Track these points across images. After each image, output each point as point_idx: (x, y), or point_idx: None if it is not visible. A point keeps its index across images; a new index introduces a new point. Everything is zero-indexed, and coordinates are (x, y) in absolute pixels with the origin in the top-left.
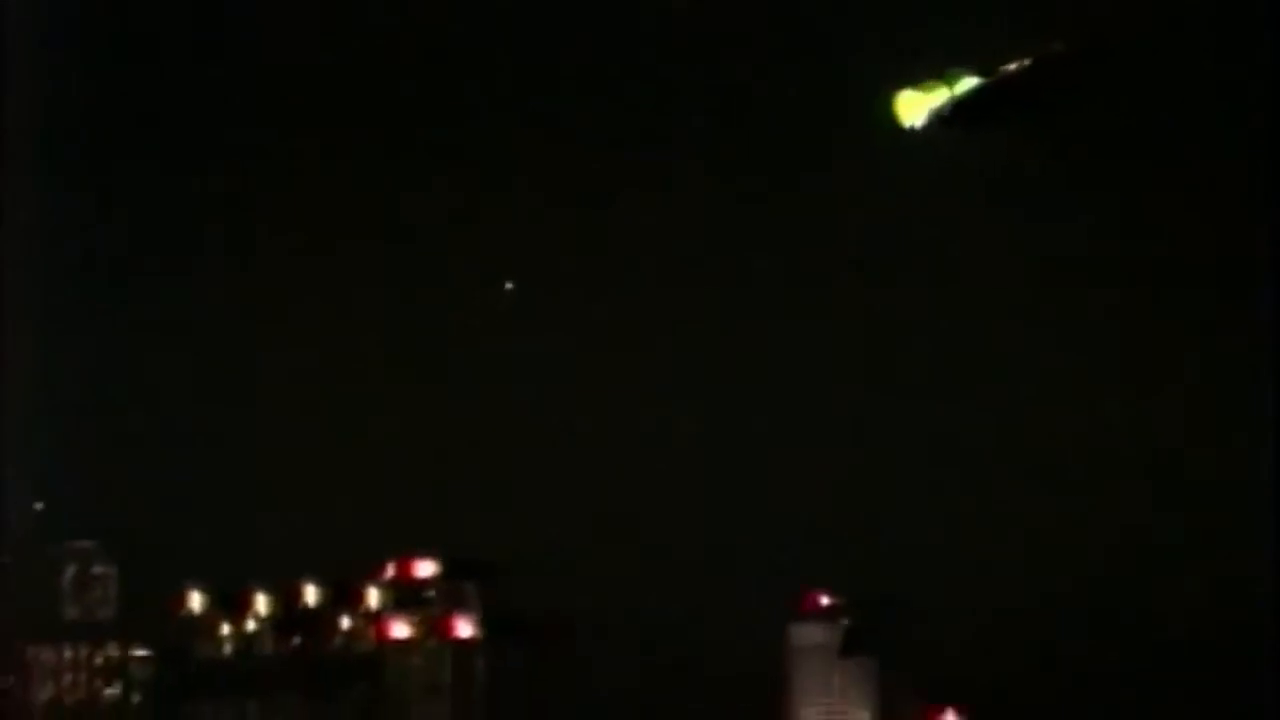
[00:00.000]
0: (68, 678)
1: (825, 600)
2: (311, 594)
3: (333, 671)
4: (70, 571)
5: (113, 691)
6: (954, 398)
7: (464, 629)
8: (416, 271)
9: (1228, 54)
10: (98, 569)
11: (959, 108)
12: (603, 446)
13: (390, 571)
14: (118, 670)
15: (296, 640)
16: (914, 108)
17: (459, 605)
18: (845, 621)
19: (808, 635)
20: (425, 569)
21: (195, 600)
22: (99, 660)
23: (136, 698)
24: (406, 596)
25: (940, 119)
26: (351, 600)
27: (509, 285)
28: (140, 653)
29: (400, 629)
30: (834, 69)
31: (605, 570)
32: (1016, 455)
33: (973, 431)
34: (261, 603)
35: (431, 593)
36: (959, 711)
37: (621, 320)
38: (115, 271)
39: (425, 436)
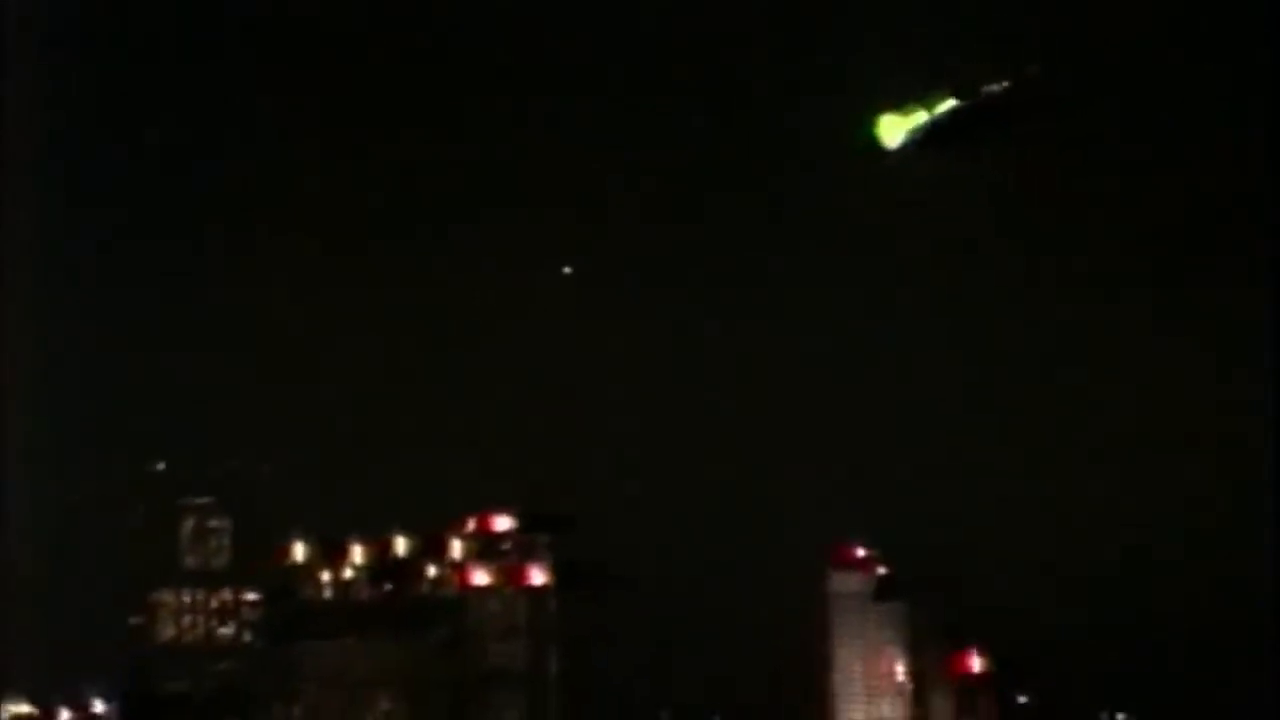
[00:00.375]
0: (187, 619)
1: (860, 552)
2: (402, 545)
3: (420, 614)
4: (189, 525)
5: (226, 631)
6: (971, 375)
7: (537, 577)
8: (492, 256)
9: (1203, 72)
10: (213, 522)
11: (936, 129)
12: (660, 417)
13: (471, 525)
14: (231, 612)
15: (388, 586)
16: (893, 130)
17: (532, 555)
18: (880, 570)
19: (844, 583)
20: (502, 523)
21: (299, 550)
22: (214, 603)
23: (247, 636)
24: (486, 548)
25: (917, 140)
26: (437, 551)
27: (566, 269)
28: (251, 596)
29: (480, 576)
30: (822, 96)
31: (662, 523)
32: (1034, 426)
33: (994, 404)
34: (358, 553)
35: (508, 544)
36: (981, 650)
37: (672, 301)
38: (194, 239)
39: (505, 406)
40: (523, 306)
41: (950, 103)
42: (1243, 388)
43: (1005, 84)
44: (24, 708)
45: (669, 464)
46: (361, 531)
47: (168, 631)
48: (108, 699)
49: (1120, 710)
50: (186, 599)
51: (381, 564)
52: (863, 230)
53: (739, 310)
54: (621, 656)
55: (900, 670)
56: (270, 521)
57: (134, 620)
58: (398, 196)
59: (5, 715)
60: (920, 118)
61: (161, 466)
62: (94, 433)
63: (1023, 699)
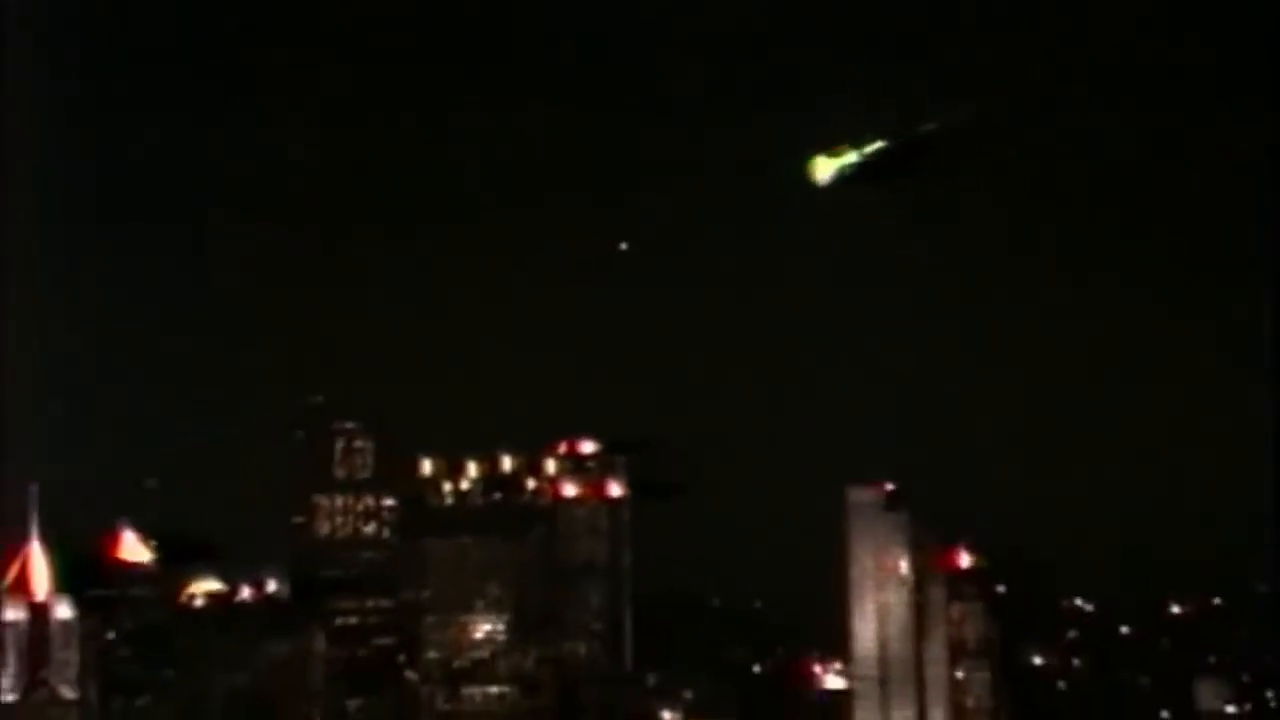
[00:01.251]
0: (339, 518)
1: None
2: (508, 462)
3: (521, 518)
4: (339, 445)
5: (369, 529)
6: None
7: (615, 489)
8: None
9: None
10: (358, 443)
11: (864, 168)
12: (722, 365)
13: (563, 448)
14: (373, 514)
15: (497, 495)
16: (825, 168)
17: (612, 472)
18: (889, 486)
19: (860, 496)
20: (588, 446)
21: (426, 465)
22: (360, 507)
23: (386, 533)
24: (574, 465)
25: (845, 177)
26: (536, 468)
27: (623, 245)
28: (388, 502)
29: (569, 489)
30: (761, 139)
31: (719, 449)
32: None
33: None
34: (472, 468)
35: (592, 463)
36: (969, 549)
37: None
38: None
39: (592, 352)
40: (596, 276)
41: (879, 143)
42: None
43: (933, 125)
44: (214, 584)
45: (726, 403)
46: (476, 451)
47: (323, 528)
48: (279, 580)
49: (1079, 596)
50: (338, 503)
51: (491, 477)
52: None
53: (781, 286)
54: (682, 553)
55: (904, 565)
56: (404, 442)
57: (297, 519)
58: (506, 181)
59: (200, 589)
60: (850, 157)
61: (319, 399)
62: (268, 373)
63: (1001, 588)
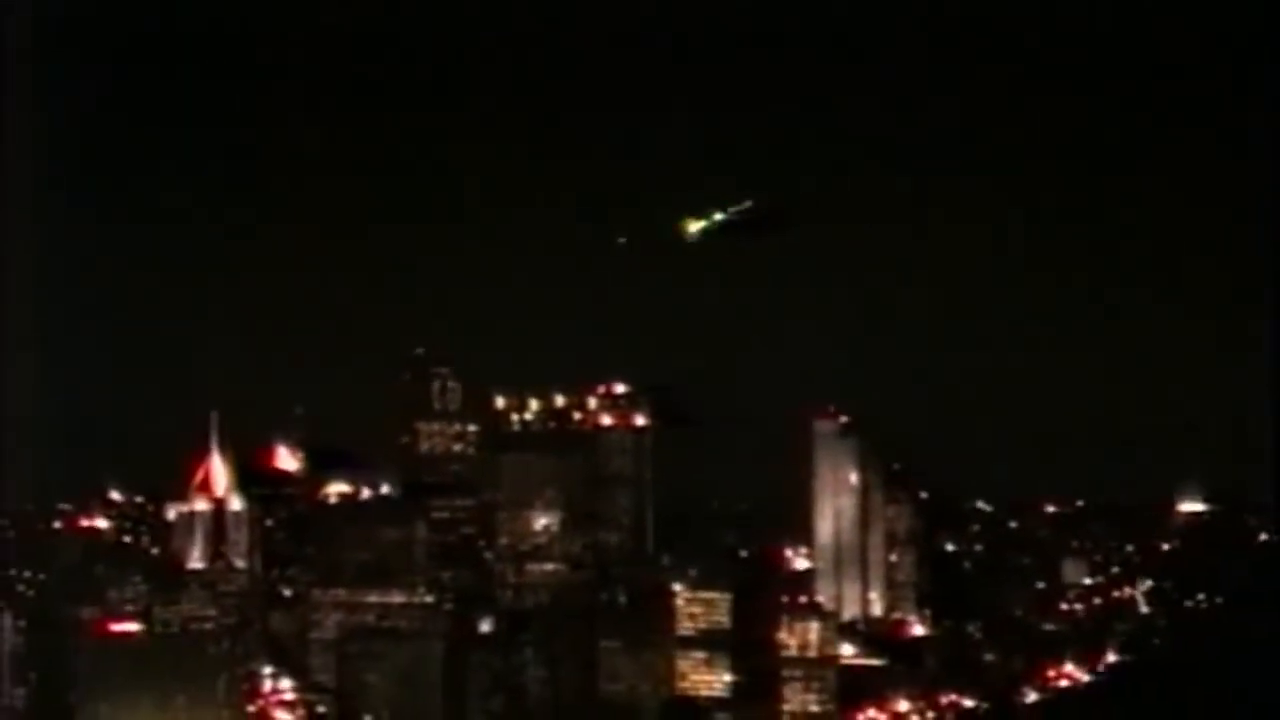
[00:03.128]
0: (436, 440)
1: (831, 409)
2: (560, 399)
3: (569, 441)
4: (436, 384)
5: (458, 447)
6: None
7: (640, 421)
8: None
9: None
10: (450, 383)
11: (724, 226)
12: (722, 322)
13: (602, 389)
14: (460, 437)
15: (551, 424)
16: (693, 226)
17: (639, 409)
18: (843, 419)
19: (822, 427)
20: (620, 388)
21: (499, 400)
22: (450, 431)
23: (469, 451)
24: (609, 402)
25: (711, 232)
26: (581, 404)
27: (621, 239)
28: (471, 427)
29: (606, 419)
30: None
31: (718, 390)
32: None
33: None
34: (533, 403)
35: (624, 401)
36: (902, 465)
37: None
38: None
39: (628, 317)
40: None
41: (733, 209)
42: None
43: (766, 200)
44: (345, 486)
45: (722, 355)
46: (536, 390)
47: (424, 446)
48: (391, 484)
49: (980, 500)
50: (434, 428)
51: (548, 410)
52: None
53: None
54: (690, 468)
55: (853, 478)
56: (482, 382)
57: (404, 440)
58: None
59: (334, 490)
60: (714, 218)
61: (421, 350)
62: (385, 330)
63: (924, 494)
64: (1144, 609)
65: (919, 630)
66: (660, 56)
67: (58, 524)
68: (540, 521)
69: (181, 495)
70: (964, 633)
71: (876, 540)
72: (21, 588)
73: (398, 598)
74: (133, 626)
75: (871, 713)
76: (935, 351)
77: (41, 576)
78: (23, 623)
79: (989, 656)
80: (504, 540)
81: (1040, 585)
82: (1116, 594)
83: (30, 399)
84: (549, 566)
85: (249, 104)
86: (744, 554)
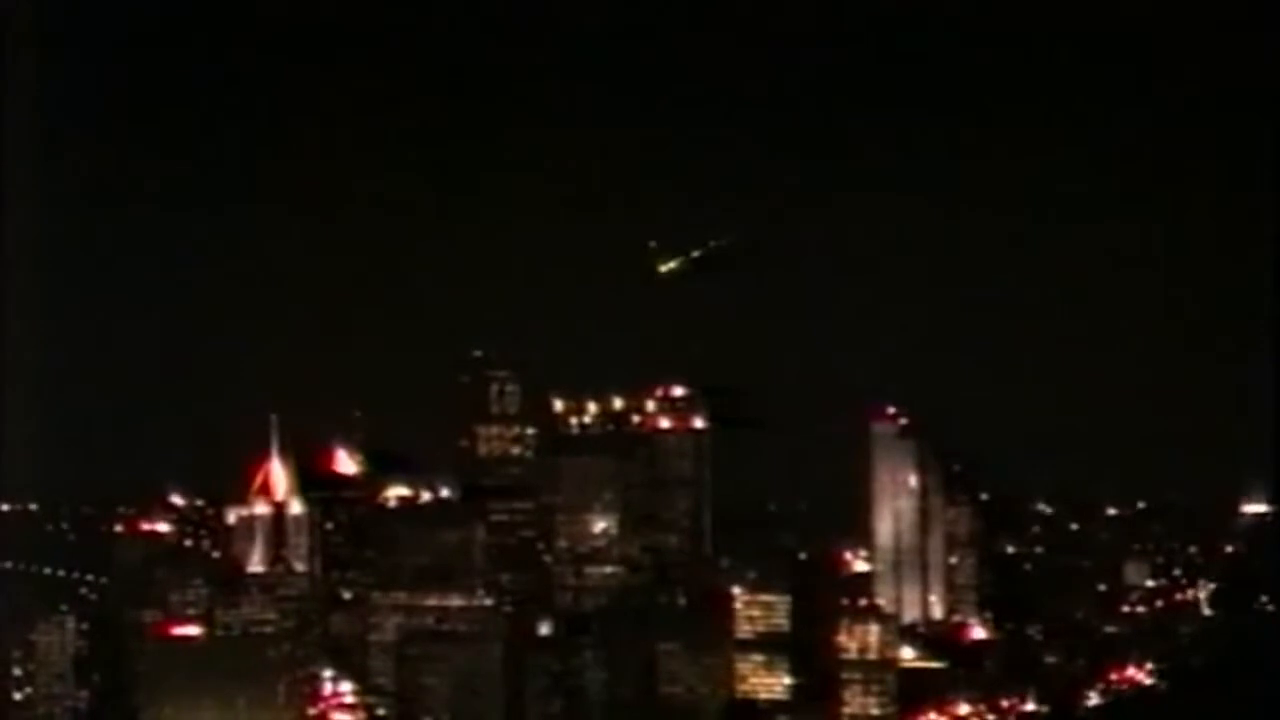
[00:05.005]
0: (494, 443)
1: (891, 410)
2: (618, 402)
3: (627, 443)
4: (494, 387)
5: (515, 451)
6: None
7: (698, 423)
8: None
9: None
10: (509, 387)
11: (695, 261)
12: (786, 326)
13: (660, 392)
14: (519, 440)
15: (610, 426)
16: (668, 261)
17: (696, 410)
18: (903, 420)
19: (881, 428)
20: (678, 390)
21: (558, 404)
22: (509, 434)
23: (528, 454)
24: (667, 405)
25: (683, 269)
26: (639, 406)
27: (653, 243)
28: (530, 430)
29: (664, 422)
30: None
31: (779, 393)
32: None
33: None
34: (591, 406)
35: (682, 403)
36: (963, 466)
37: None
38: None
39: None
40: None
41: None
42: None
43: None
44: (404, 490)
45: (781, 357)
46: (595, 393)
47: (482, 450)
48: (450, 487)
49: (1041, 502)
50: (493, 431)
51: (606, 413)
52: None
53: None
54: (748, 470)
55: (912, 480)
56: (541, 386)
57: (463, 443)
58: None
59: (394, 493)
60: (686, 255)
61: (479, 354)
62: (444, 335)
63: (984, 496)
64: (1206, 611)
65: (980, 633)
66: (724, 60)
67: (119, 528)
68: (599, 524)
69: (242, 499)
70: (1025, 636)
71: (936, 542)
72: (84, 591)
73: (457, 600)
74: (194, 629)
75: (932, 716)
76: (995, 353)
77: (103, 580)
78: (85, 626)
79: (1050, 659)
80: (563, 543)
81: (1101, 588)
82: (1179, 596)
83: (91, 403)
84: (608, 569)
85: (338, 98)
86: (803, 556)
